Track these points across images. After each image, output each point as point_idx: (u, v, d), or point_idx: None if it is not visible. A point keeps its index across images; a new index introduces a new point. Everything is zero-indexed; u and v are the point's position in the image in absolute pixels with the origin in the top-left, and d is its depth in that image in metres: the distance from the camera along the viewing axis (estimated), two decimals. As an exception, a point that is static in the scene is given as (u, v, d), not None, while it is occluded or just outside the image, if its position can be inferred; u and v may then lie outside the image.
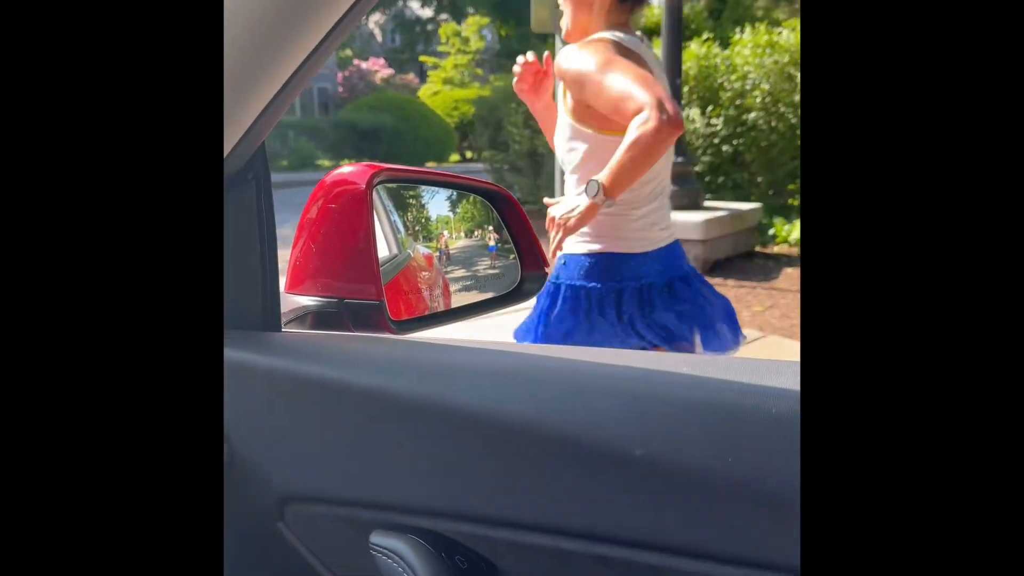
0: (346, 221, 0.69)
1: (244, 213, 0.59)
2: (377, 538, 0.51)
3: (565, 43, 1.48)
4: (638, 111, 1.20)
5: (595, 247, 1.41)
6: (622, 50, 1.33)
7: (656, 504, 0.46)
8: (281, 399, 0.56)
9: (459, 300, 0.74)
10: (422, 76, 19.40)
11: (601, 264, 1.40)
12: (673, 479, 0.45)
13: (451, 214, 0.77)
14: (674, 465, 0.45)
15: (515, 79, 1.51)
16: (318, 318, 0.70)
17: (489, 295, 0.76)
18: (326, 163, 14.48)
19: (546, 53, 1.52)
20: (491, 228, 0.76)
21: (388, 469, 0.54)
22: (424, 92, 18.58)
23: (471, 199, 0.78)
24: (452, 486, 0.51)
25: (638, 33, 1.46)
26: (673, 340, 1.43)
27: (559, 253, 1.41)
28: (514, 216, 0.75)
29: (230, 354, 0.58)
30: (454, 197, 0.78)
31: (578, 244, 1.42)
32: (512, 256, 0.79)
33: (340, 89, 17.67)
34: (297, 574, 0.58)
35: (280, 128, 13.76)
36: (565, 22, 1.45)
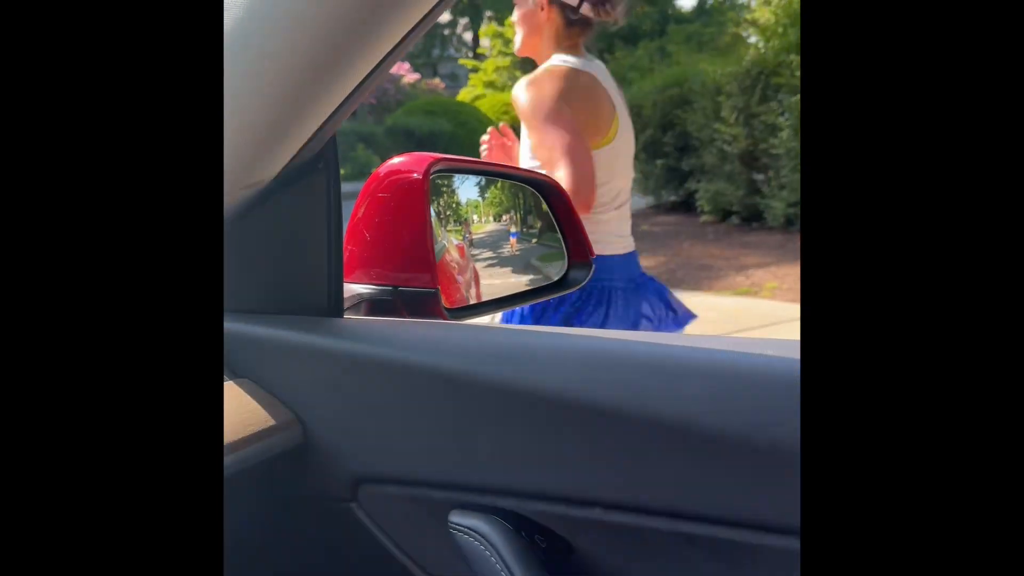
0: (403, 211, 0.71)
1: (314, 201, 0.61)
2: (457, 517, 0.53)
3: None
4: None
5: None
6: (570, 83, 1.46)
7: (744, 482, 0.47)
8: (352, 382, 0.59)
9: (504, 288, 0.77)
10: (451, 80, 19.21)
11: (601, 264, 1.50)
12: (760, 457, 0.46)
13: (480, 199, 0.79)
14: (762, 443, 0.45)
15: (484, 150, 1.64)
16: (373, 305, 0.72)
17: (539, 282, 0.78)
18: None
19: (501, 124, 1.67)
20: (517, 214, 0.78)
21: (462, 450, 0.55)
22: (465, 95, 18.38)
23: (501, 185, 0.80)
24: (528, 466, 0.53)
25: (588, 55, 1.57)
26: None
27: None
28: (562, 207, 0.77)
29: (300, 338, 0.60)
30: (483, 184, 0.80)
31: None
32: (534, 240, 0.81)
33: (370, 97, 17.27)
34: (371, 555, 0.61)
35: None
36: (517, 42, 1.60)
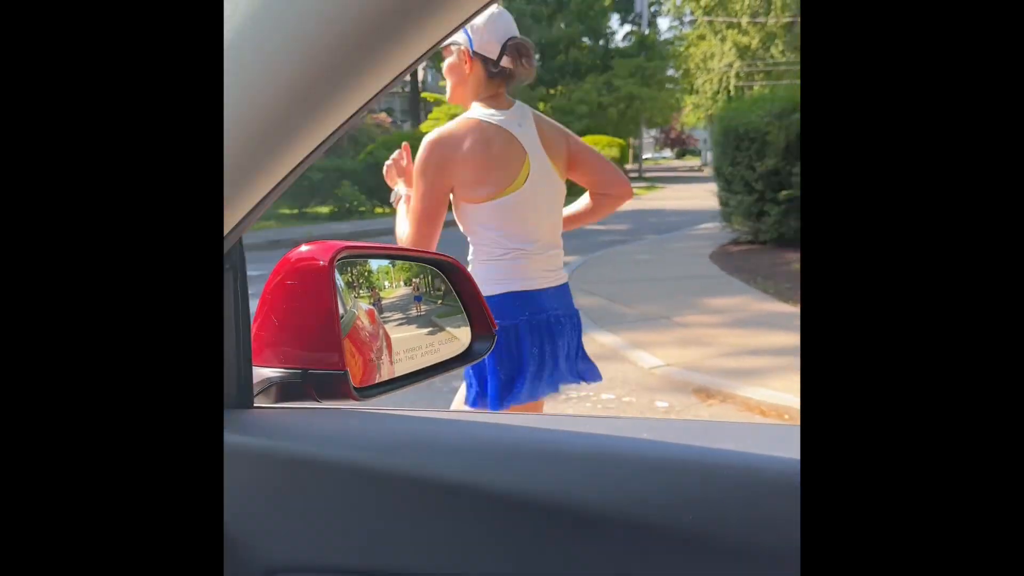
0: (310, 297, 0.75)
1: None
2: None
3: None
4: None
5: (500, 289, 1.66)
6: (461, 142, 1.63)
7: (635, 562, 0.49)
8: (261, 475, 0.62)
9: (412, 364, 0.81)
10: (388, 114, 19.23)
11: (509, 301, 1.66)
12: (648, 539, 0.49)
13: (391, 266, 0.84)
14: (656, 526, 0.49)
15: (385, 170, 1.79)
16: (283, 388, 0.75)
17: (443, 356, 0.82)
18: (381, 210, 13.61)
19: (404, 144, 1.82)
20: (424, 279, 0.83)
21: (372, 537, 0.58)
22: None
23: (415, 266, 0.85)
24: (436, 552, 0.56)
25: (509, 102, 1.72)
26: (577, 371, 1.78)
27: None
28: (464, 283, 0.82)
29: None
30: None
31: (488, 288, 1.66)
32: (439, 301, 0.86)
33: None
34: None
35: (315, 171, 12.82)
36: (447, 90, 1.76)
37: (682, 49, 35.45)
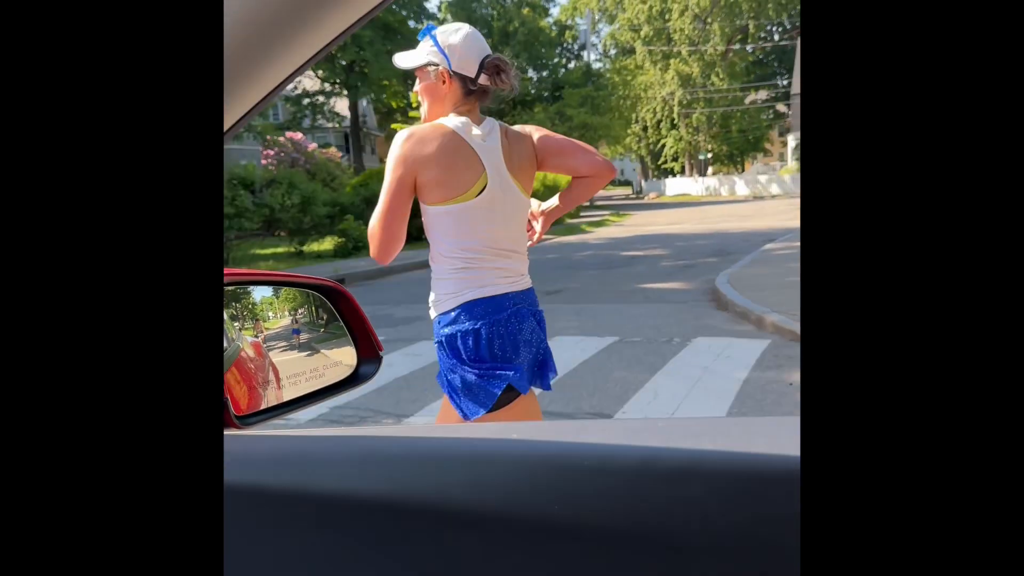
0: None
1: None
2: None
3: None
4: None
5: (458, 301, 1.73)
6: (426, 143, 1.68)
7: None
8: None
9: (297, 390, 0.81)
10: (325, 148, 19.15)
11: (467, 309, 1.72)
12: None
13: (275, 297, 0.84)
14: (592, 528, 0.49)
15: None
16: None
17: (328, 381, 0.82)
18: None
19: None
20: (304, 312, 0.83)
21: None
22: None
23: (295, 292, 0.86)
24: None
25: (481, 118, 1.79)
26: (542, 361, 1.84)
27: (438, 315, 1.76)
28: (348, 307, 0.83)
29: None
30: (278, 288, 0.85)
31: (449, 301, 1.73)
32: (322, 330, 0.86)
33: (269, 162, 16.29)
34: None
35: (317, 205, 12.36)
36: (423, 112, 1.80)
37: (629, 79, 36.36)
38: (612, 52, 44.38)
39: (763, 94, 46.02)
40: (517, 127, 1.85)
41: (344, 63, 22.86)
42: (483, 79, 1.74)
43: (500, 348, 1.72)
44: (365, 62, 22.26)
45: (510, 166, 1.76)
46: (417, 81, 1.79)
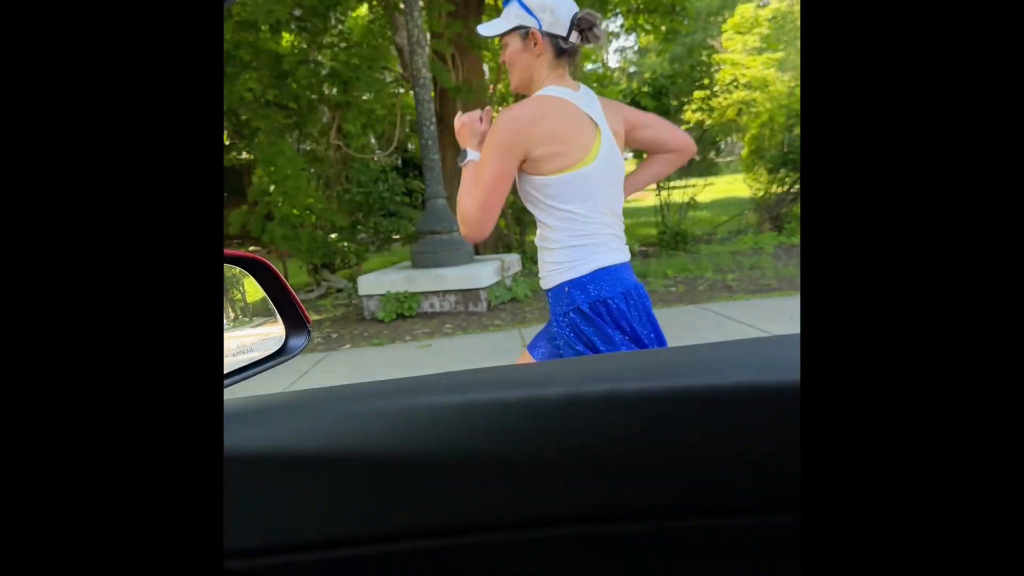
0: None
1: None
2: None
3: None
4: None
5: (590, 267, 1.68)
6: (536, 116, 1.64)
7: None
8: None
9: (225, 364, 0.80)
10: None
11: (601, 276, 1.68)
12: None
13: None
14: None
15: (458, 127, 1.80)
16: None
17: (257, 355, 0.82)
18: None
19: (488, 108, 1.83)
20: (226, 289, 0.83)
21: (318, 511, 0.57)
22: None
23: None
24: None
25: (579, 84, 1.76)
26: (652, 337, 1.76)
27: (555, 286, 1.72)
28: (272, 280, 0.82)
29: None
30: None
31: (577, 268, 1.68)
32: (247, 305, 0.86)
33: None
34: None
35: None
36: (513, 81, 1.78)
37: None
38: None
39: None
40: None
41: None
42: (574, 37, 1.71)
43: (637, 320, 1.68)
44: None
45: (612, 129, 1.75)
46: (504, 49, 1.75)
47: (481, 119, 1.80)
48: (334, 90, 8.60)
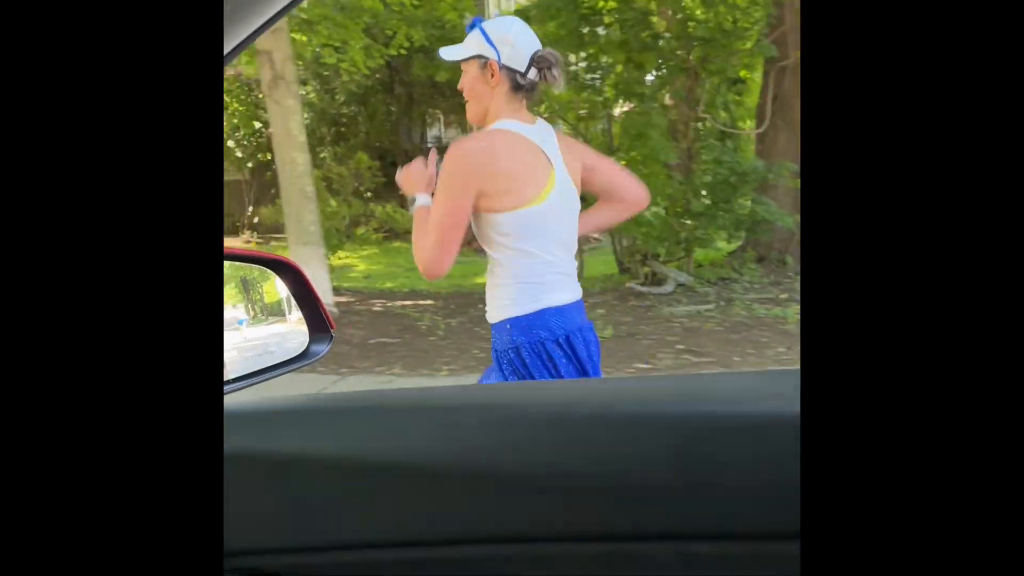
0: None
1: None
2: None
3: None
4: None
5: (534, 306, 1.65)
6: (488, 152, 1.62)
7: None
8: None
9: (246, 366, 0.80)
10: None
11: (544, 317, 1.64)
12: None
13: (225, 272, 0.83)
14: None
15: (402, 177, 1.79)
16: None
17: (278, 359, 0.82)
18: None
19: (431, 151, 1.81)
20: (252, 295, 0.82)
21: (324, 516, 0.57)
22: None
23: (227, 276, 0.85)
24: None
25: (536, 119, 1.72)
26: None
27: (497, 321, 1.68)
28: (299, 283, 0.82)
29: None
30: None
31: (521, 306, 1.65)
32: (267, 318, 0.86)
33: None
34: None
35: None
36: (469, 111, 1.74)
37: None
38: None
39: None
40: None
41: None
42: (532, 74, 1.67)
43: (571, 370, 1.63)
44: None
45: (568, 166, 1.71)
46: (463, 75, 1.73)
47: (425, 164, 1.74)
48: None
